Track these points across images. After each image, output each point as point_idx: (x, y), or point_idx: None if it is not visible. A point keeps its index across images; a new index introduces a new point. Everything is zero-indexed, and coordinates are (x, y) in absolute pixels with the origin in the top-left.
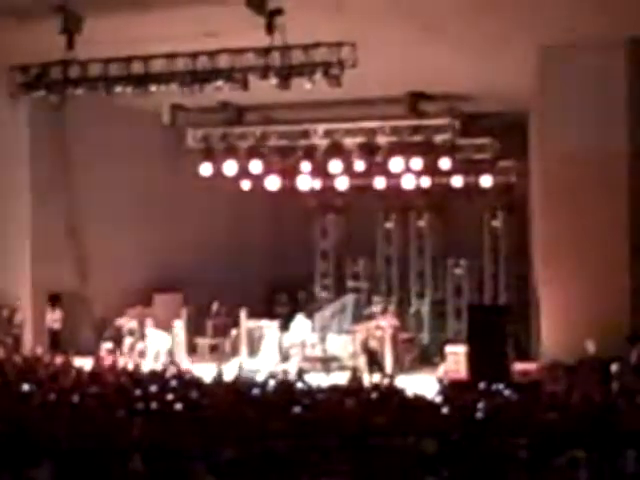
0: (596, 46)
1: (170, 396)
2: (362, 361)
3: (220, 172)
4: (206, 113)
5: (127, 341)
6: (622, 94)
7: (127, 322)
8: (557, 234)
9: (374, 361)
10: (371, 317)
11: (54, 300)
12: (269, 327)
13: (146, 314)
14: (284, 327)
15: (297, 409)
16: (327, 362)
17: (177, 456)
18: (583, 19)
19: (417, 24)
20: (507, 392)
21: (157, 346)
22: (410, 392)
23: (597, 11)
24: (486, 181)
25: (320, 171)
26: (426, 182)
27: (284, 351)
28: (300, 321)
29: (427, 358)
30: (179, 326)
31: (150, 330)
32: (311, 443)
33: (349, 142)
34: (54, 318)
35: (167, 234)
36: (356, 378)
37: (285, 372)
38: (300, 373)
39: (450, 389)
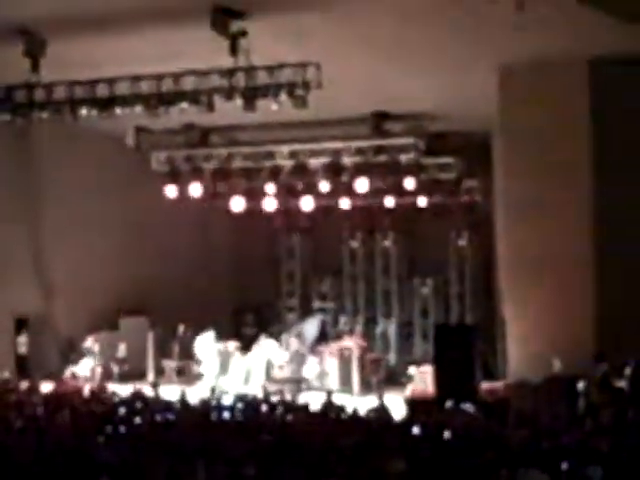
0: (557, 65)
1: (137, 419)
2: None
3: (185, 194)
4: (170, 135)
5: (89, 363)
6: (584, 113)
7: (93, 345)
8: (520, 252)
9: None
10: (338, 337)
11: (20, 324)
12: (236, 348)
13: (112, 337)
14: (250, 348)
15: (265, 432)
16: (294, 383)
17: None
18: (544, 39)
19: (379, 47)
20: (474, 410)
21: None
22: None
23: (558, 31)
24: (451, 201)
25: (285, 192)
26: (391, 202)
27: (250, 372)
28: (266, 342)
29: (394, 378)
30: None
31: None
32: (279, 466)
33: (314, 163)
34: (20, 342)
35: (132, 257)
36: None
37: (253, 395)
38: (267, 395)
39: (418, 408)
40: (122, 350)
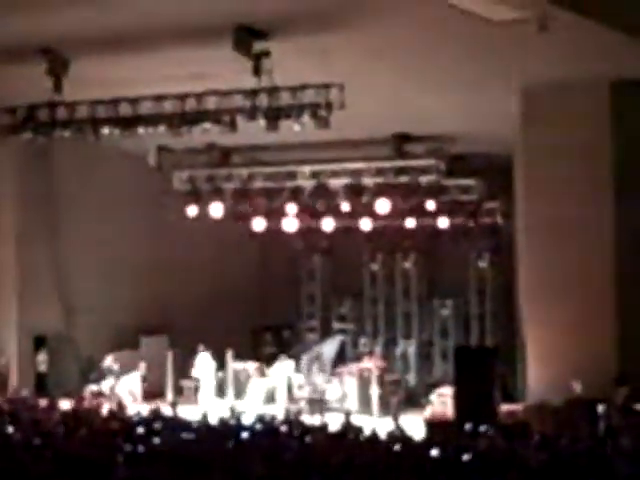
0: (579, 87)
1: (157, 439)
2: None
3: (206, 214)
4: (192, 155)
5: (109, 383)
6: (605, 134)
7: (112, 364)
8: (542, 275)
9: None
10: (358, 359)
11: (40, 342)
12: (255, 369)
13: (133, 356)
14: (269, 369)
15: (284, 453)
16: (314, 403)
17: None
18: (566, 60)
19: (401, 68)
20: (494, 433)
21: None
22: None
23: (580, 52)
24: (472, 222)
25: (306, 212)
26: (412, 223)
27: (270, 393)
28: (285, 362)
29: (414, 400)
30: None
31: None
32: None
33: (335, 183)
34: (40, 360)
35: (153, 276)
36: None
37: (272, 415)
38: (286, 415)
39: (437, 430)
40: (142, 369)
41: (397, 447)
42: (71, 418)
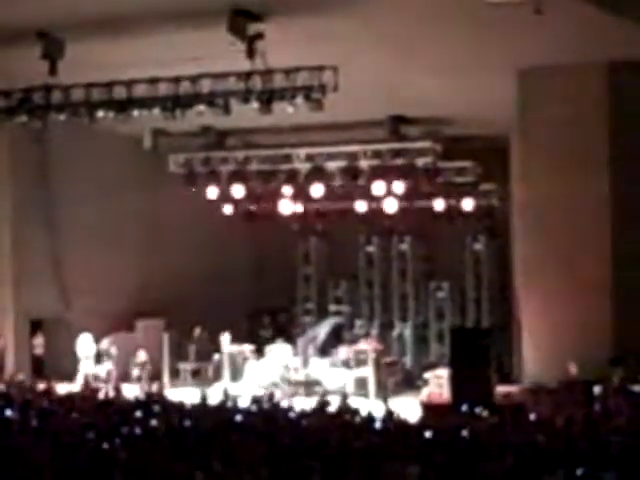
0: (576, 68)
1: (154, 422)
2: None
3: (202, 196)
4: (188, 138)
5: (107, 366)
6: (602, 116)
7: (109, 347)
8: (538, 256)
9: None
10: (354, 341)
11: (36, 326)
12: (251, 351)
13: (129, 339)
14: (266, 351)
15: (280, 435)
16: (310, 386)
17: None
18: (562, 42)
19: (396, 50)
20: (490, 415)
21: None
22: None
23: (577, 34)
24: (468, 204)
25: (302, 195)
26: (408, 205)
27: (266, 375)
28: (281, 345)
29: (410, 381)
30: None
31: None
32: (294, 468)
33: (331, 166)
34: (36, 344)
35: (149, 259)
36: (345, 403)
37: (269, 396)
38: (282, 398)
39: (433, 412)
40: (142, 354)
41: (392, 429)
42: (68, 401)
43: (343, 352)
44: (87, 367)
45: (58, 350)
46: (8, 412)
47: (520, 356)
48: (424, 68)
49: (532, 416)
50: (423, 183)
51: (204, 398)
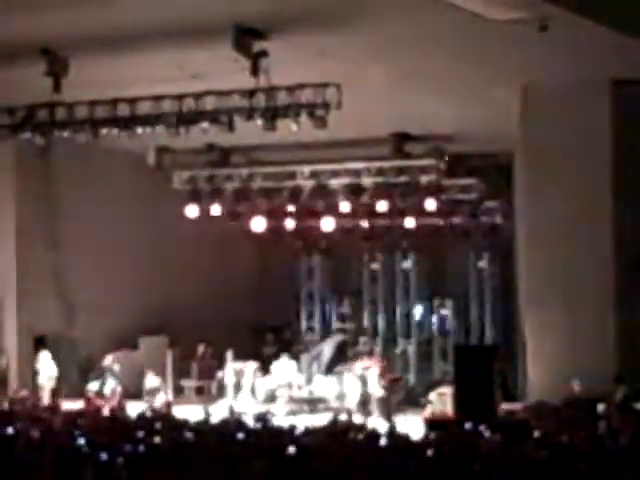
0: (580, 86)
1: (157, 439)
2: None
3: (206, 214)
4: (192, 155)
5: (110, 384)
6: (606, 133)
7: (112, 363)
8: (542, 273)
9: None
10: (357, 358)
11: (40, 342)
12: (255, 368)
13: (132, 356)
14: (270, 368)
15: (283, 452)
16: (314, 403)
17: None
18: (567, 59)
19: (400, 67)
20: (493, 432)
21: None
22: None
23: (580, 51)
24: (471, 222)
25: (306, 212)
26: (411, 223)
27: (270, 392)
28: (285, 362)
29: (414, 399)
30: None
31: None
32: None
33: (335, 183)
34: (38, 360)
35: (153, 276)
36: (350, 420)
37: (272, 414)
38: (286, 415)
39: (437, 429)
40: (153, 379)
41: (396, 446)
42: (73, 418)
43: (347, 369)
44: (91, 385)
45: (61, 367)
46: (10, 429)
47: (524, 374)
48: (428, 85)
49: (536, 434)
50: (427, 201)
51: (207, 415)
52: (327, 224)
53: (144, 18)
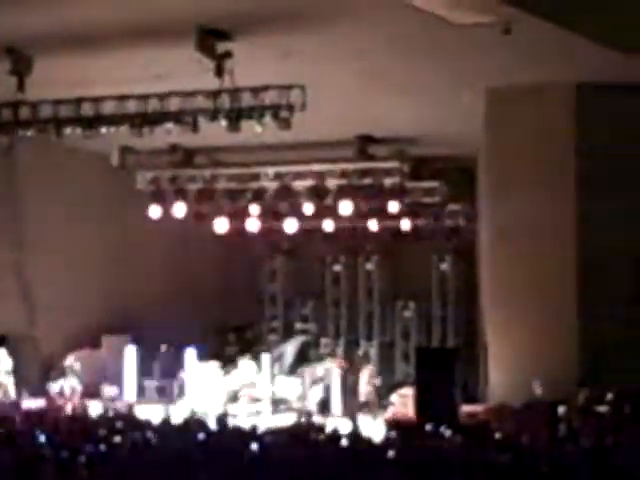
0: (544, 89)
1: (117, 438)
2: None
3: (169, 214)
4: (155, 155)
5: (71, 382)
6: (570, 136)
7: (73, 363)
8: (504, 276)
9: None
10: (319, 359)
11: (1, 341)
12: (217, 369)
13: (94, 355)
14: (232, 369)
15: (246, 451)
16: (276, 404)
17: None
18: (530, 62)
19: (364, 69)
20: (454, 434)
21: None
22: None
23: (544, 55)
24: (434, 225)
25: (269, 214)
26: (375, 225)
27: (232, 393)
28: (247, 362)
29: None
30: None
31: None
32: None
33: (298, 185)
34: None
35: (115, 276)
36: (309, 421)
37: (233, 415)
38: (247, 415)
39: (398, 431)
40: (110, 370)
41: (357, 447)
42: (33, 417)
43: (309, 370)
44: (53, 384)
45: (22, 366)
46: None
47: (485, 376)
48: (392, 88)
49: (497, 435)
50: (390, 203)
51: (168, 416)
52: (290, 226)
53: (109, 18)
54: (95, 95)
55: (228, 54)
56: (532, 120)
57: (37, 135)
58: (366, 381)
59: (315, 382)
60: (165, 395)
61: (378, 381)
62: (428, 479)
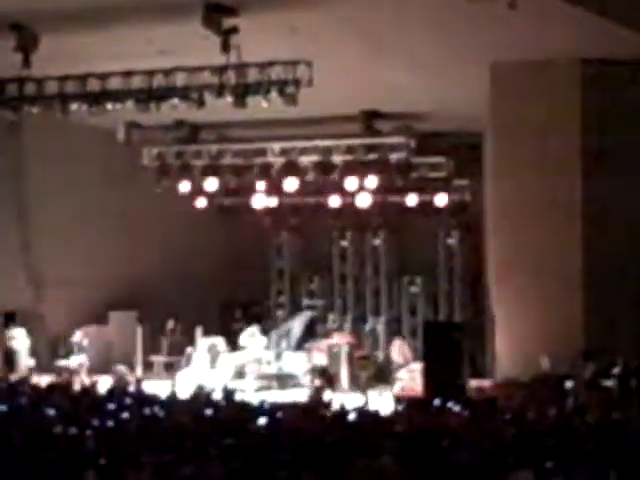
0: (549, 64)
1: (126, 414)
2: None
3: (175, 190)
4: (162, 131)
5: (78, 358)
6: (575, 111)
7: (81, 339)
8: (510, 252)
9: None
10: (327, 335)
11: (9, 318)
12: (224, 344)
13: (101, 331)
14: (239, 344)
15: (254, 426)
16: (282, 379)
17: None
18: (535, 37)
19: (371, 45)
20: (462, 409)
21: None
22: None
23: (549, 30)
24: (441, 200)
25: (275, 189)
26: (381, 200)
27: (239, 368)
28: (255, 338)
29: (383, 375)
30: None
31: None
32: (266, 461)
33: (304, 160)
34: (9, 336)
35: (122, 252)
36: (317, 396)
37: (241, 390)
38: (255, 391)
39: (406, 406)
40: (117, 346)
41: (366, 422)
42: (42, 392)
43: (316, 346)
44: (61, 360)
45: (30, 343)
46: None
47: (493, 350)
48: (398, 63)
49: (504, 410)
50: (396, 178)
51: (175, 391)
52: (297, 201)
53: None
54: (101, 71)
55: (234, 29)
56: (536, 95)
57: (43, 111)
58: (397, 352)
59: (322, 357)
60: (173, 371)
61: (408, 351)
62: (435, 453)
